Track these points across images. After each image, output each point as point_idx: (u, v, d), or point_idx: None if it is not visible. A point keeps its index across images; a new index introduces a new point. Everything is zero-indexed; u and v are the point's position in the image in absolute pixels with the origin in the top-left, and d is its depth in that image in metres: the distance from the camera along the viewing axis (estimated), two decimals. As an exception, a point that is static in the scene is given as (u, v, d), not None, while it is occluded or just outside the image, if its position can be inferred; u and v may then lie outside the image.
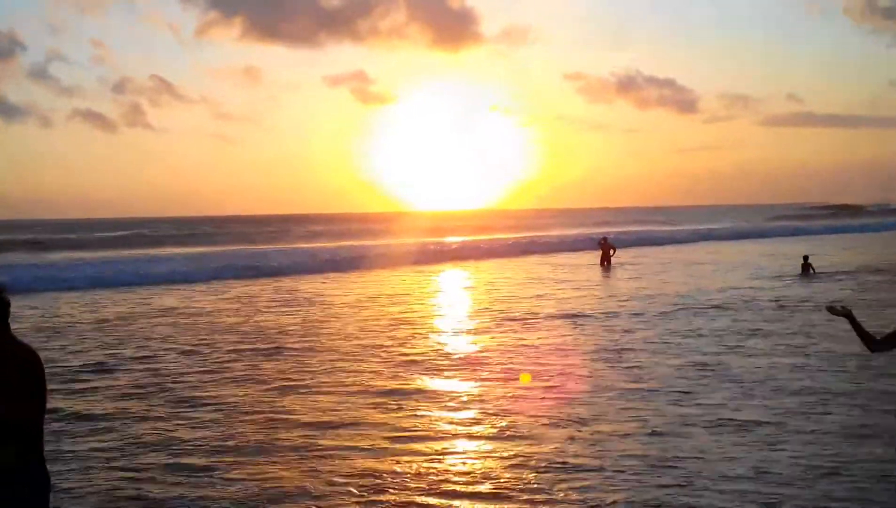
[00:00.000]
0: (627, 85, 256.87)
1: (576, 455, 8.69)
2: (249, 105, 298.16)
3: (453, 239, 60.13)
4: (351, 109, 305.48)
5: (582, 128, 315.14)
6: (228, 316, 20.92)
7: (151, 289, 28.79)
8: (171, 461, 8.81)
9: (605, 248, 37.08)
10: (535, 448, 8.97)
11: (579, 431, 9.62)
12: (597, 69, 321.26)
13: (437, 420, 10.32)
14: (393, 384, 12.42)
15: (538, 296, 24.55)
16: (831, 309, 6.32)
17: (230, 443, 9.43)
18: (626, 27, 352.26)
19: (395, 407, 10.95)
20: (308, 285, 30.28)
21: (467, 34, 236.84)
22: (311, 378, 12.94)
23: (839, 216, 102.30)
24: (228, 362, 14.59)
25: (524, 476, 8.07)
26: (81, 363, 14.50)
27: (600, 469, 8.26)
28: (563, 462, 8.47)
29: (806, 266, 29.88)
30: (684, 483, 7.78)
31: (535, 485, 7.82)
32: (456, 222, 76.46)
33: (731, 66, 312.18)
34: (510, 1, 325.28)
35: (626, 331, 17.31)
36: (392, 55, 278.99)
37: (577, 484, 7.81)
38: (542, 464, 8.42)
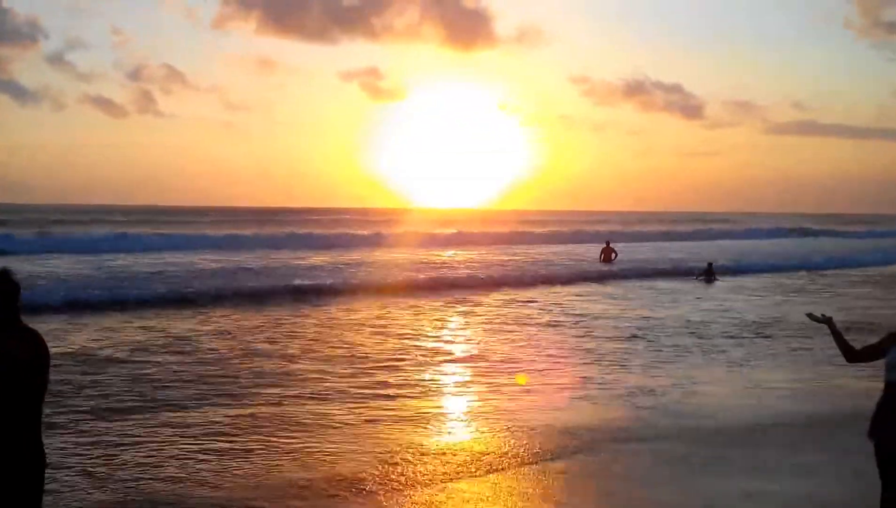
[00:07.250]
0: (635, 89, 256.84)
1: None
2: (261, 96, 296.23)
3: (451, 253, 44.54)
4: (360, 104, 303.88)
5: (587, 130, 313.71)
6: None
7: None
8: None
9: (607, 251, 39.08)
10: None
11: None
12: (604, 73, 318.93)
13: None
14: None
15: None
16: (811, 316, 6.27)
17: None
18: (634, 32, 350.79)
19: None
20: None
21: (480, 34, 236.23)
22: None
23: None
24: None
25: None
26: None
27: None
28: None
29: (709, 272, 31.89)
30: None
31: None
32: (457, 224, 70.29)
33: (737, 73, 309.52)
34: (523, 3, 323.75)
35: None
36: (405, 52, 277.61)
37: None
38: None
